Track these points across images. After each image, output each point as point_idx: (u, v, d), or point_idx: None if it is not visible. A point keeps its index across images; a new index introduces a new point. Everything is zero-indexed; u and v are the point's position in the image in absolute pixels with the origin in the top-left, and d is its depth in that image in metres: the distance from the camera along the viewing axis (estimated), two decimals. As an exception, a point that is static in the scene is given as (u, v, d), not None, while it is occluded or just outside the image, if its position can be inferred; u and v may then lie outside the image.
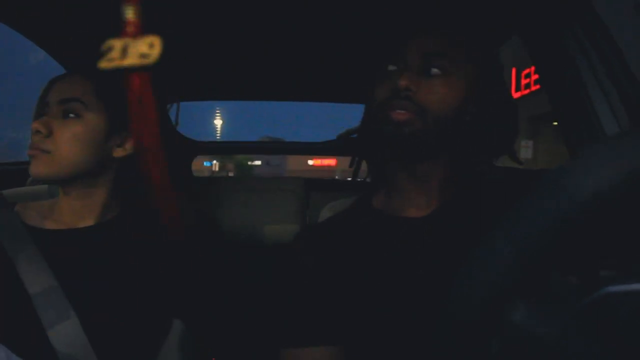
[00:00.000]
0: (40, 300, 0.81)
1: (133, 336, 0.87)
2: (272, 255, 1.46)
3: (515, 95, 10.23)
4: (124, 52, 0.29)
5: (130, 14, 0.32)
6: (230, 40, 1.31)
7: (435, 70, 0.77)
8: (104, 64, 0.30)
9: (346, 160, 1.01)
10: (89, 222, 0.93)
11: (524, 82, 10.74)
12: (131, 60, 0.30)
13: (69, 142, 0.87)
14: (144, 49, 0.30)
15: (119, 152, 0.93)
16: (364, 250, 0.80)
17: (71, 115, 0.88)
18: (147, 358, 0.90)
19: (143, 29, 0.31)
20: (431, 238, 0.77)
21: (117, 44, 0.30)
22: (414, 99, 0.75)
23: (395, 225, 0.81)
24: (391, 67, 0.80)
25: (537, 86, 9.82)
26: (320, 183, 2.32)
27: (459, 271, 0.40)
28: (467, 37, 0.82)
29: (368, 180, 0.93)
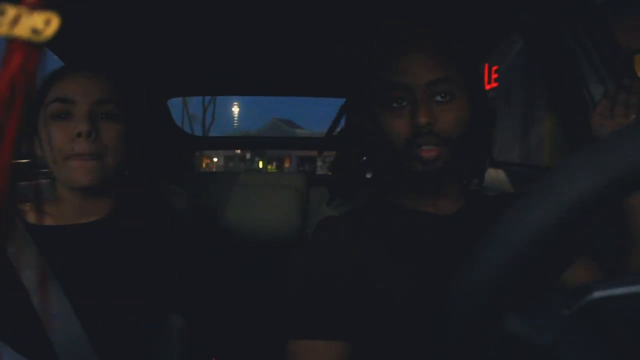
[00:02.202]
0: (40, 299, 0.80)
1: (133, 333, 0.86)
2: (272, 252, 1.45)
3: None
4: (15, 21, 0.25)
5: None
6: (231, 35, 1.30)
7: (442, 98, 0.78)
8: None
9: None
10: (90, 218, 0.92)
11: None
12: (20, 32, 0.25)
13: (117, 144, 0.86)
14: (39, 24, 0.25)
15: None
16: (390, 243, 0.81)
17: (106, 116, 0.87)
18: (147, 356, 0.89)
19: (45, 3, 0.26)
20: (460, 235, 0.78)
21: (10, 10, 0.25)
22: (435, 132, 0.76)
23: (424, 220, 0.84)
24: (399, 101, 0.79)
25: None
26: (321, 179, 2.31)
27: (460, 269, 0.39)
28: (457, 56, 0.81)
29: (368, 176, 0.94)
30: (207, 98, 20.99)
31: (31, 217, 0.90)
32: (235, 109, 36.04)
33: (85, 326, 0.80)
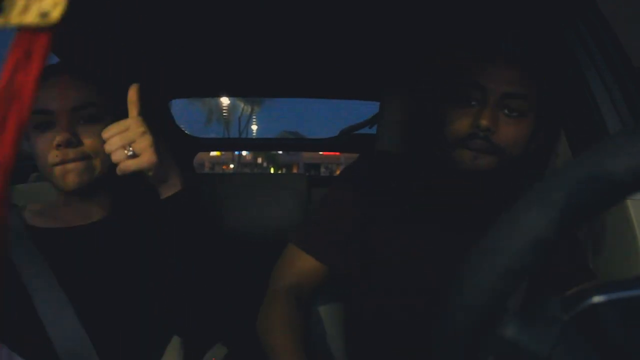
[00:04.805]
0: (40, 300, 0.78)
1: (134, 334, 0.84)
2: (273, 252, 1.42)
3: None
4: (25, 9, 0.25)
5: None
6: (234, 35, 1.28)
7: (511, 112, 0.76)
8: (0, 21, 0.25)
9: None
10: (89, 220, 0.90)
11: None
12: (31, 18, 0.25)
13: (101, 145, 0.83)
14: (46, 7, 0.25)
15: None
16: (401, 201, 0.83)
17: (86, 120, 0.85)
18: (148, 357, 0.86)
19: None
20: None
21: (19, 0, 0.25)
22: (492, 139, 0.75)
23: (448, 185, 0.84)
24: (471, 101, 0.78)
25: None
26: (322, 179, 2.28)
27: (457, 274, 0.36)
28: (539, 73, 0.80)
29: None
30: (242, 123, 27.44)
31: (31, 220, 0.88)
32: (254, 127, 37.29)
33: (87, 328, 0.79)
